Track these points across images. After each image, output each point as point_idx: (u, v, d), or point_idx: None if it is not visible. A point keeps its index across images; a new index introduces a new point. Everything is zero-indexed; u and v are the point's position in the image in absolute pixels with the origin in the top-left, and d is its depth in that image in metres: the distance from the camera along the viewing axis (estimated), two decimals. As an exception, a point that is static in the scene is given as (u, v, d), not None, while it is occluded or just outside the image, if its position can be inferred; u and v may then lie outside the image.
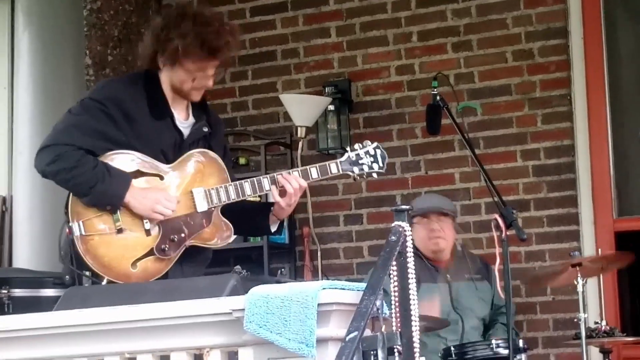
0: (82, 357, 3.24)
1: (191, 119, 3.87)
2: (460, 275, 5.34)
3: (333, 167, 3.81)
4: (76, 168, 3.61)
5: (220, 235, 3.79)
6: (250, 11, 6.65)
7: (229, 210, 3.81)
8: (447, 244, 5.33)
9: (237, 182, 3.76)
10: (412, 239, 5.25)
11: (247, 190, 3.74)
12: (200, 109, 3.90)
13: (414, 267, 2.92)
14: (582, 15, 5.96)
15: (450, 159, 6.17)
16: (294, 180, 3.75)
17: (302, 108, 6.16)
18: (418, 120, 6.09)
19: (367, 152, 3.84)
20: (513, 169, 6.02)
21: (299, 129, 6.19)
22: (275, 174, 3.78)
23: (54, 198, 4.03)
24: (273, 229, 3.92)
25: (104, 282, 3.58)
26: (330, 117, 6.27)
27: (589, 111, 5.92)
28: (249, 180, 3.77)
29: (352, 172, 3.84)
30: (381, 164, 3.86)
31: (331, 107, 6.25)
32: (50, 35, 5.88)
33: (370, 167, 3.85)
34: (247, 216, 3.89)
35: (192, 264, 3.78)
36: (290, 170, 3.80)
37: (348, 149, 3.87)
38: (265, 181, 3.75)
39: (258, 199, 4.03)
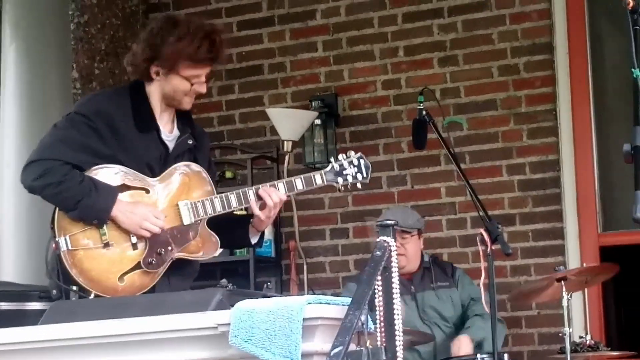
0: (68, 371, 3.23)
1: (176, 132, 3.88)
2: (424, 285, 5.35)
3: (317, 178, 3.83)
4: (63, 183, 3.61)
5: (207, 248, 3.80)
6: (238, 25, 6.67)
7: (212, 223, 3.82)
8: (408, 261, 5.32)
9: (223, 195, 3.77)
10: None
11: (233, 202, 3.76)
12: (184, 122, 3.91)
13: (398, 282, 2.93)
14: (567, 30, 6.00)
15: (436, 173, 6.19)
16: (274, 194, 3.77)
17: (289, 122, 6.18)
18: (404, 135, 6.11)
19: (350, 163, 3.87)
20: (499, 184, 6.05)
21: (285, 143, 6.20)
22: (259, 186, 3.79)
23: (41, 212, 4.02)
24: (253, 241, 3.94)
25: (92, 297, 3.57)
26: (316, 131, 6.28)
27: (574, 126, 5.95)
28: (234, 192, 3.77)
29: (337, 182, 3.86)
30: (365, 174, 3.88)
31: (317, 122, 6.26)
32: (37, 48, 5.88)
33: (355, 178, 3.88)
34: (228, 229, 3.90)
35: (179, 277, 3.79)
36: (276, 182, 3.82)
37: (332, 159, 3.89)
38: (251, 192, 3.77)
39: (244, 212, 4.03)
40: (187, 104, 3.81)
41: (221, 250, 3.94)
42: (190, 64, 3.72)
